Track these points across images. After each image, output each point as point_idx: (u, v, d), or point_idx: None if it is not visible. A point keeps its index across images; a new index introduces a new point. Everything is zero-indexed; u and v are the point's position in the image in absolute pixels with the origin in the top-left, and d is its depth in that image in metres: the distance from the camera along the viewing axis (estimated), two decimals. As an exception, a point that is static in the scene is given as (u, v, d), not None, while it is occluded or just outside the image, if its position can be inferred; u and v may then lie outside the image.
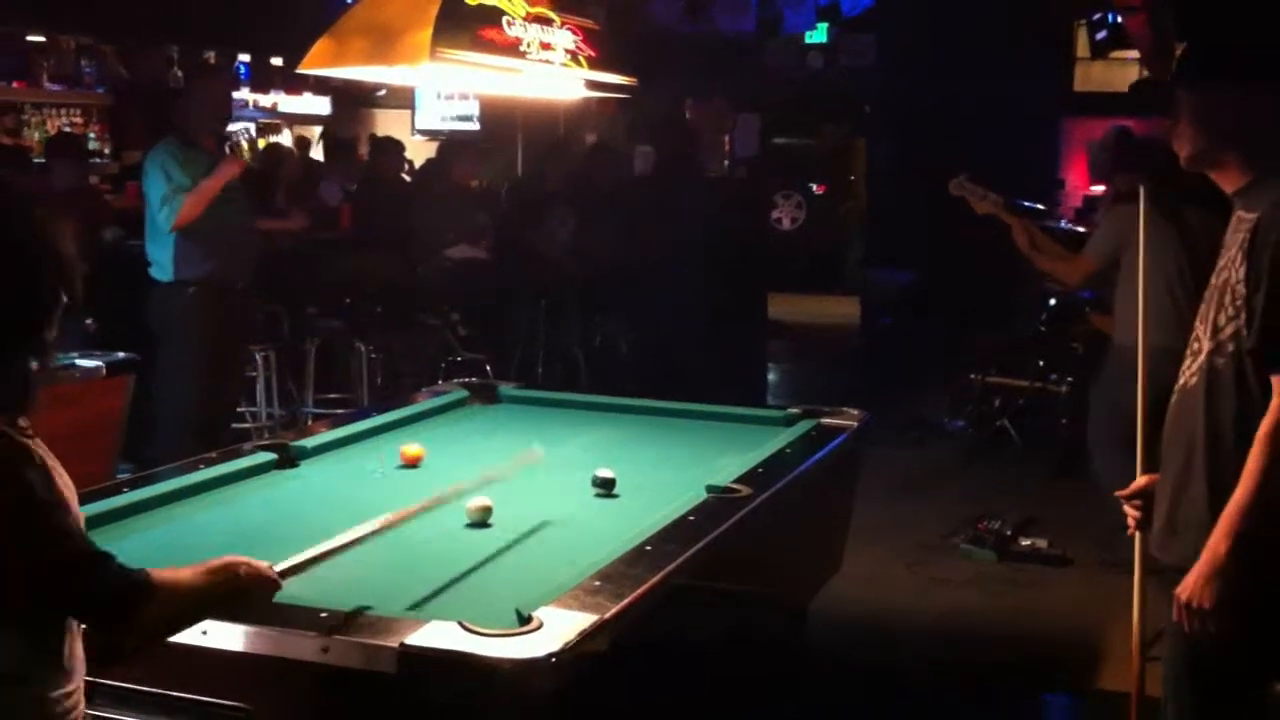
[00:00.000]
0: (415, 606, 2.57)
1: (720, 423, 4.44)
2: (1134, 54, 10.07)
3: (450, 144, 9.84)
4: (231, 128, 9.85)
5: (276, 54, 11.37)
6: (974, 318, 8.76)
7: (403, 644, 2.25)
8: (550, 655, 2.23)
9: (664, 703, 2.85)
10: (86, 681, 2.03)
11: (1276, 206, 2.55)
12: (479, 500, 3.20)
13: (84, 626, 2.01)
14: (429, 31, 3.68)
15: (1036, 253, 5.62)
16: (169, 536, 3.09)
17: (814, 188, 15.47)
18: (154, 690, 2.31)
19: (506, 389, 4.89)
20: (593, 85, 4.67)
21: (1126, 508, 2.94)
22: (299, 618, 2.37)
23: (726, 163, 10.39)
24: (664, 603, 2.68)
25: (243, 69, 11.49)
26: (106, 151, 9.98)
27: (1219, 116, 2.67)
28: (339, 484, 3.65)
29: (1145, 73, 9.99)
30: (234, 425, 6.60)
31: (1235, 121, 2.65)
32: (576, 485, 3.54)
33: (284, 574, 2.25)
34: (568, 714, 2.36)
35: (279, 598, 2.29)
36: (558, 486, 3.59)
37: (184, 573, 2.05)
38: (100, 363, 4.91)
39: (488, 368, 7.67)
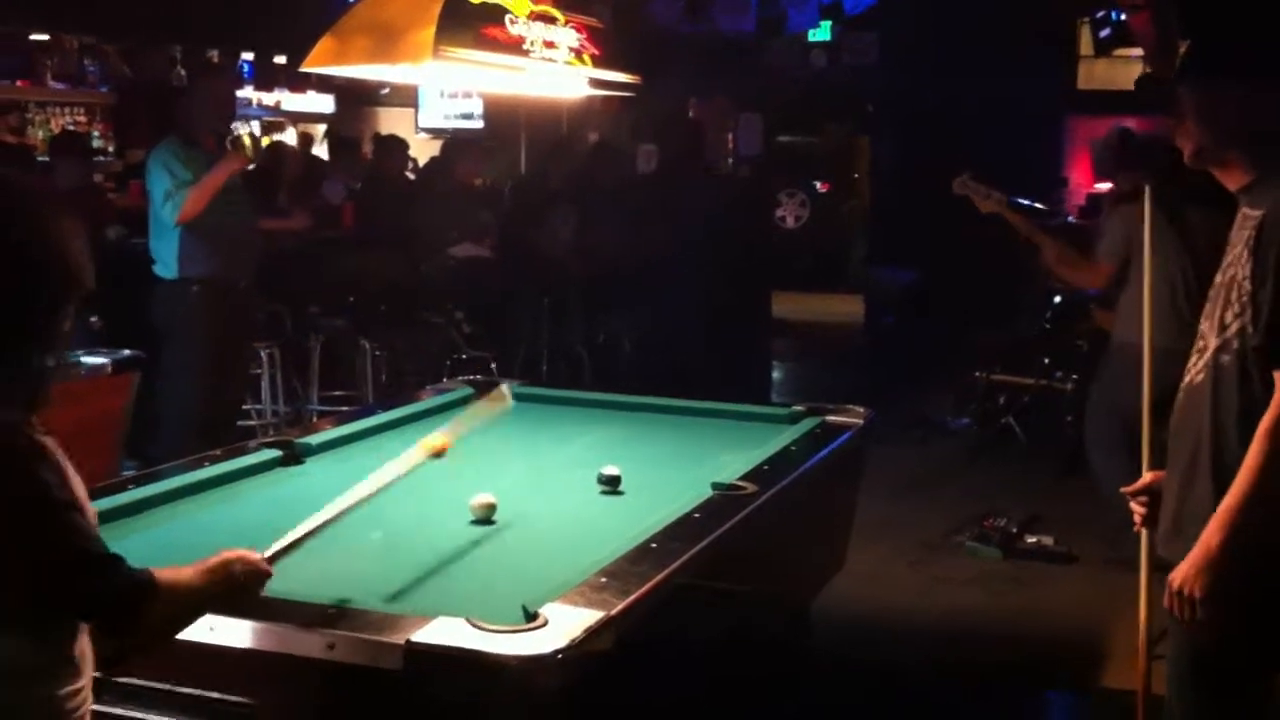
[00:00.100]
0: (420, 603, 2.57)
1: (725, 420, 4.44)
2: (1137, 52, 10.05)
3: (454, 142, 9.85)
4: (234, 126, 9.85)
5: (280, 52, 11.39)
6: (978, 315, 8.75)
7: (409, 640, 2.25)
8: (556, 652, 2.23)
9: (668, 699, 2.86)
10: (93, 677, 2.03)
11: (1282, 203, 2.55)
12: (483, 497, 3.20)
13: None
14: (432, 30, 3.68)
15: (1062, 264, 5.61)
16: (173, 533, 3.09)
17: (818, 186, 15.47)
18: (159, 685, 2.32)
19: (512, 387, 4.88)
20: (596, 84, 4.67)
21: (1132, 504, 2.94)
22: (304, 613, 2.38)
23: (730, 160, 10.40)
24: (669, 600, 2.68)
25: (246, 67, 11.51)
26: (110, 150, 10.01)
27: (1223, 114, 2.66)
28: (344, 481, 3.61)
29: (1149, 70, 9.97)
30: (239, 423, 6.61)
31: (1239, 119, 2.65)
32: (582, 482, 3.54)
33: (272, 559, 2.26)
34: (574, 710, 2.36)
35: (279, 591, 2.29)
36: (563, 483, 3.60)
37: (184, 572, 2.05)
38: (105, 360, 4.92)
39: (492, 365, 7.68)
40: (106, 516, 3.00)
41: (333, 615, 2.38)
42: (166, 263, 5.87)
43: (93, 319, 5.76)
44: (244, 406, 6.85)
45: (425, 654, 2.23)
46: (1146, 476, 2.94)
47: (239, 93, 9.29)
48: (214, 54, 10.77)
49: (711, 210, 7.55)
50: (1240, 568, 2.54)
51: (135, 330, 5.67)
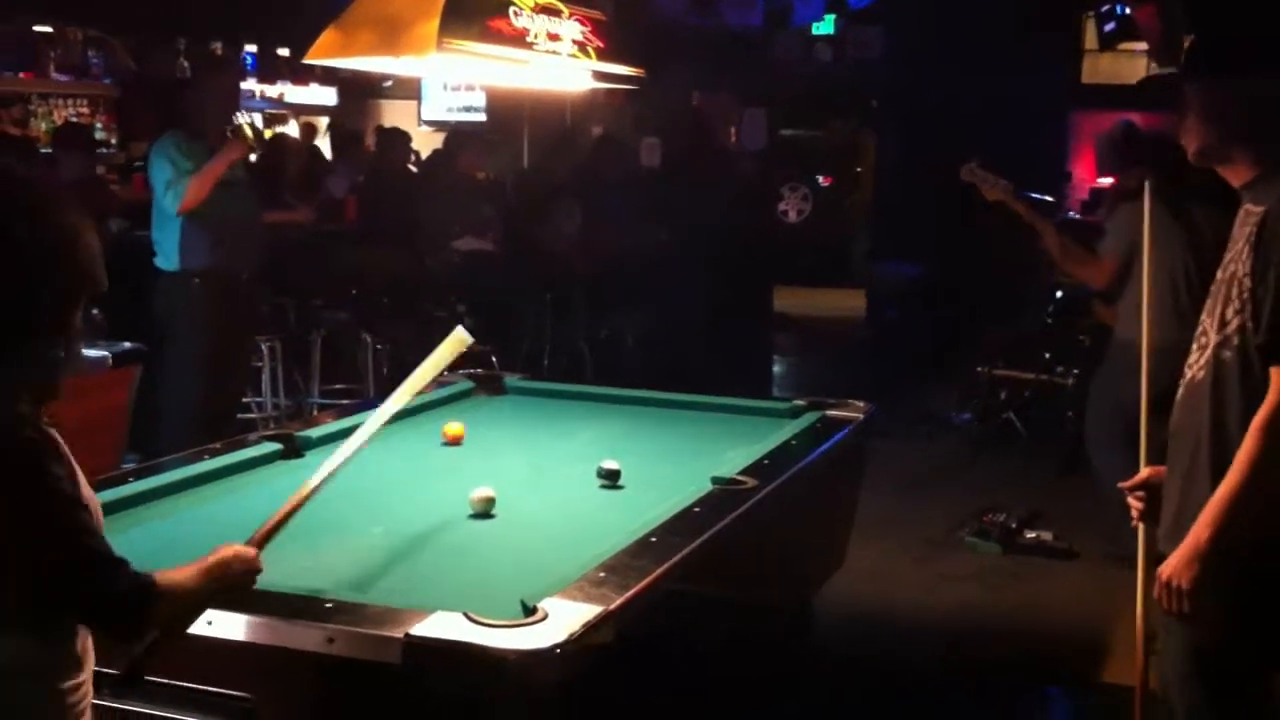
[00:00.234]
0: (419, 597, 2.56)
1: (726, 415, 4.44)
2: (1143, 46, 10.04)
3: (457, 135, 9.83)
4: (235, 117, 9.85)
5: (283, 45, 11.36)
6: (980, 311, 8.75)
7: (408, 634, 2.25)
8: (555, 646, 2.23)
9: (668, 694, 2.86)
10: (93, 671, 2.04)
11: (1284, 200, 2.54)
12: (482, 491, 3.21)
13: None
14: (435, 22, 3.68)
15: (1067, 258, 5.60)
16: (174, 526, 3.10)
17: (821, 180, 15.45)
18: (157, 680, 2.31)
19: (513, 380, 4.89)
20: (600, 77, 4.66)
21: (1130, 500, 2.94)
22: (303, 608, 2.38)
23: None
24: (669, 595, 2.68)
25: (250, 59, 11.49)
26: (113, 142, 9.99)
27: (1227, 110, 2.66)
28: (344, 474, 3.64)
29: (1154, 65, 9.95)
30: (239, 415, 6.60)
31: (1243, 115, 2.65)
32: (582, 476, 3.54)
33: (260, 545, 2.26)
34: (572, 705, 2.36)
35: (278, 585, 2.29)
36: (563, 478, 3.60)
37: (183, 575, 2.05)
38: (107, 353, 4.92)
39: (494, 359, 7.67)
40: (107, 509, 2.97)
41: (331, 609, 2.38)
42: (168, 254, 5.87)
43: (94, 312, 5.75)
44: (245, 399, 6.84)
45: (424, 648, 2.23)
46: (1145, 472, 2.94)
47: (242, 85, 9.26)
48: (217, 46, 10.74)
49: (714, 205, 7.54)
50: (1236, 565, 2.55)
51: (137, 323, 5.67)
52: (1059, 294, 7.73)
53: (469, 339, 3.08)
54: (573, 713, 2.39)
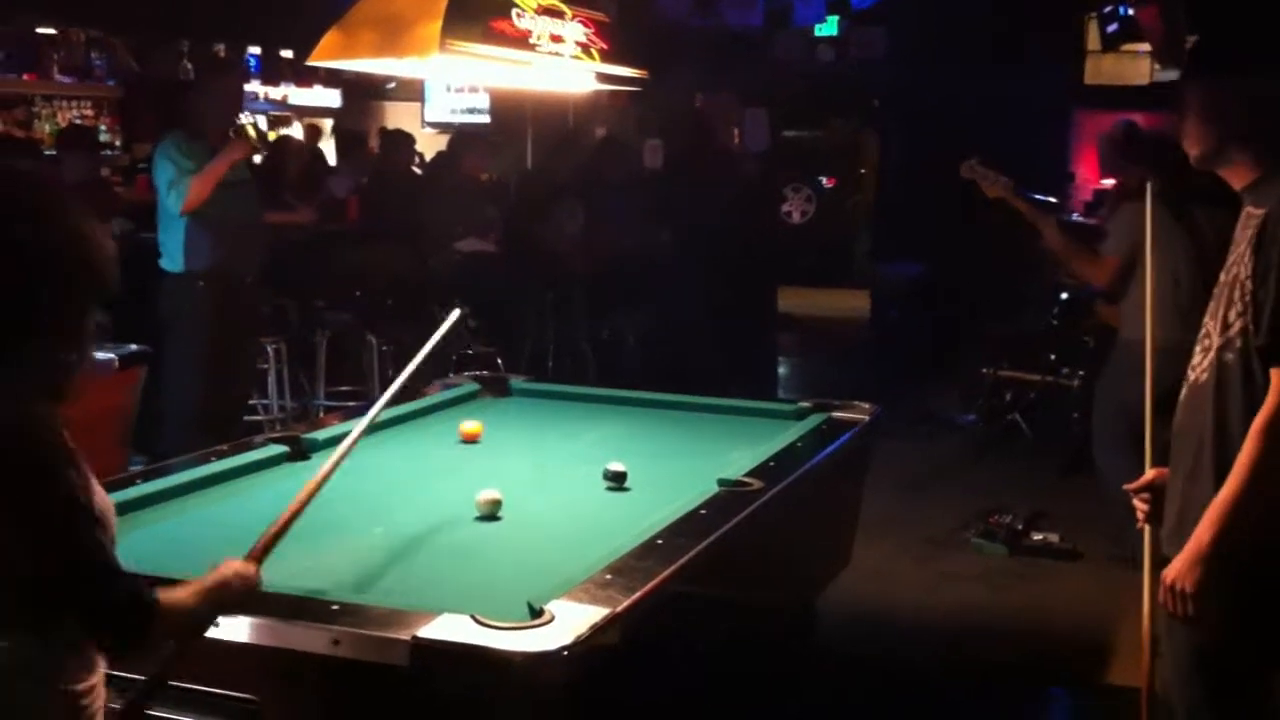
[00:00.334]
0: (426, 599, 2.57)
1: (731, 416, 4.44)
2: (1145, 47, 10.04)
3: (460, 136, 9.84)
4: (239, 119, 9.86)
5: (287, 46, 11.38)
6: (984, 311, 8.74)
7: (415, 636, 2.25)
8: (562, 648, 2.23)
9: (674, 696, 2.86)
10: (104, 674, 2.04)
11: (1286, 202, 2.55)
12: (488, 493, 3.21)
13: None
14: (439, 23, 3.68)
15: (1069, 255, 5.60)
16: (180, 529, 3.10)
17: (823, 181, 15.44)
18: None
19: (518, 382, 4.89)
20: (603, 78, 4.67)
21: (1135, 501, 2.94)
22: (309, 609, 2.38)
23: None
24: (674, 596, 2.68)
25: (253, 61, 11.51)
26: (117, 144, 10.01)
27: (1228, 112, 2.66)
28: (350, 477, 3.63)
29: (1157, 66, 9.96)
30: (245, 418, 6.61)
31: (1243, 115, 2.65)
32: (587, 478, 3.54)
33: (260, 557, 2.27)
34: (579, 707, 2.36)
35: (284, 587, 2.29)
36: (568, 479, 3.60)
37: (183, 594, 2.06)
38: (112, 355, 4.93)
39: (499, 361, 7.68)
40: (116, 511, 3.00)
41: (337, 611, 2.39)
42: (172, 255, 5.87)
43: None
44: (250, 401, 6.85)
45: (431, 650, 2.23)
46: (1149, 473, 2.94)
47: (245, 86, 9.27)
48: (220, 48, 10.76)
49: (715, 205, 7.54)
50: (1237, 566, 2.55)
51: (142, 325, 5.67)
52: (1064, 294, 7.71)
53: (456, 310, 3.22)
54: (579, 714, 2.39)
